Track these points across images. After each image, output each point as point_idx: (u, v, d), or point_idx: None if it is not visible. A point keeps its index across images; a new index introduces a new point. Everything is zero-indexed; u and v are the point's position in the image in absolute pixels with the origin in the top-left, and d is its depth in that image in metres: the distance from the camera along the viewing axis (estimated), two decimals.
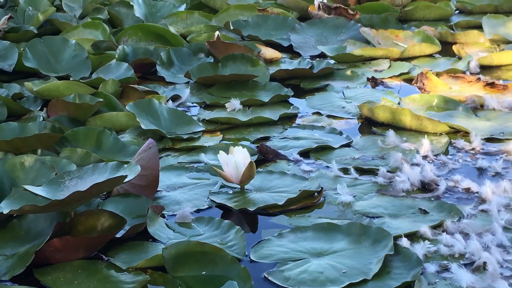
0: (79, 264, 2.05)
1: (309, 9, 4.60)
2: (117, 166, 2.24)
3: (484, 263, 2.02)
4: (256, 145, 2.84)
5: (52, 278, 2.00)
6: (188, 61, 3.76)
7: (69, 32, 4.09)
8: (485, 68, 3.68)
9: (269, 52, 3.91)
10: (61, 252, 2.06)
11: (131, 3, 4.66)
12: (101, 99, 3.09)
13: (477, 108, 3.16)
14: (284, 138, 2.97)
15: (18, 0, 4.65)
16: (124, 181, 2.21)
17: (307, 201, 2.43)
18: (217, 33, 4.07)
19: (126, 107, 3.02)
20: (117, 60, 3.64)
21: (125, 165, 2.24)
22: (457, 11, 4.72)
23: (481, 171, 2.65)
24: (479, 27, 4.24)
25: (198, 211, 2.41)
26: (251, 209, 2.39)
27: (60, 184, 2.22)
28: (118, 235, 2.16)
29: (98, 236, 2.13)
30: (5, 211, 2.10)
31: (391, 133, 2.88)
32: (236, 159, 2.45)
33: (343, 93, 3.45)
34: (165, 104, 3.17)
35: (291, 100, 3.39)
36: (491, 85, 3.34)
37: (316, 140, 2.91)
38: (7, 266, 2.03)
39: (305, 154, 2.81)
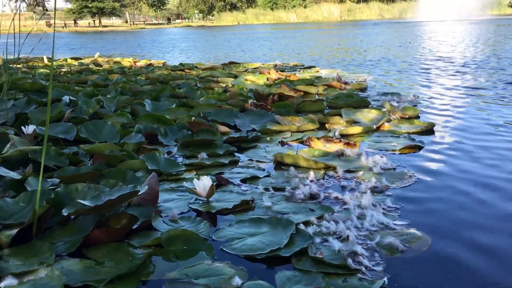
0: (110, 245, 1.99)
1: (245, 105, 4.63)
2: (134, 187, 2.18)
3: (347, 236, 2.01)
4: (216, 176, 2.80)
5: (94, 253, 1.94)
6: (176, 133, 3.73)
7: (107, 119, 4.00)
8: (343, 136, 3.72)
9: (223, 128, 3.89)
10: (99, 237, 1.98)
11: (144, 103, 4.63)
12: (124, 153, 3.02)
13: (339, 155, 3.18)
14: (231, 173, 2.94)
15: (78, 101, 4.55)
16: (138, 194, 2.15)
17: (245, 206, 2.39)
18: (193, 118, 4.05)
19: (140, 157, 2.97)
20: (135, 133, 3.58)
21: (138, 187, 2.19)
22: (327, 107, 4.79)
23: (343, 187, 2.65)
24: (340, 114, 4.30)
25: (182, 213, 2.35)
26: (213, 211, 2.35)
27: (99, 198, 2.13)
28: (134, 227, 2.09)
29: (121, 227, 2.06)
30: (65, 213, 2.03)
31: (292, 169, 2.88)
32: (204, 183, 2.42)
33: (265, 149, 3.44)
34: (163, 155, 3.11)
35: (236, 153, 3.36)
36: (347, 143, 3.38)
37: (250, 173, 2.89)
38: (65, 247, 1.95)
39: (243, 181, 2.78)
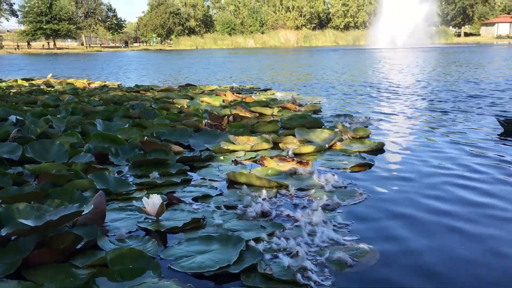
0: (52, 266, 1.90)
1: (200, 126, 4.59)
2: (79, 206, 2.10)
3: (297, 252, 2.00)
4: (167, 195, 2.74)
5: (34, 274, 1.84)
6: (128, 153, 3.64)
7: (55, 138, 3.87)
8: (296, 155, 3.74)
9: (176, 148, 3.84)
10: (40, 258, 1.89)
11: (96, 123, 4.53)
12: (72, 172, 2.92)
13: (292, 174, 3.19)
14: (183, 191, 2.89)
15: (25, 120, 4.39)
16: (82, 214, 2.07)
17: (196, 224, 2.36)
18: (146, 137, 3.98)
19: (88, 176, 2.88)
20: (84, 152, 3.48)
21: (83, 206, 2.11)
22: (282, 128, 4.82)
23: (295, 205, 2.65)
24: (293, 134, 4.33)
25: (130, 232, 2.28)
26: (162, 229, 2.30)
27: (41, 218, 2.03)
28: (78, 247, 2.00)
29: (64, 247, 1.97)
30: (3, 234, 1.93)
31: (245, 187, 2.87)
32: (153, 201, 2.37)
33: (218, 168, 3.42)
34: (113, 175, 3.03)
35: (189, 172, 3.31)
36: (300, 162, 3.40)
37: (202, 192, 2.86)
38: (3, 269, 1.84)
39: (195, 199, 2.74)
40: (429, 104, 6.75)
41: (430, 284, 1.81)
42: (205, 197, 2.77)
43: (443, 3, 66.69)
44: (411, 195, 2.82)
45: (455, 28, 70.12)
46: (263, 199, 2.69)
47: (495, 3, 68.70)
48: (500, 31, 63.90)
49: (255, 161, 3.60)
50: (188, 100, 6.97)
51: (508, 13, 63.91)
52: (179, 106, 6.33)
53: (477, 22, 68.51)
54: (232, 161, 3.58)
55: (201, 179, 3.17)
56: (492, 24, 65.60)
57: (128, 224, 2.36)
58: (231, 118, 5.03)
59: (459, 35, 67.63)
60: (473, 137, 4.37)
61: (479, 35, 67.45)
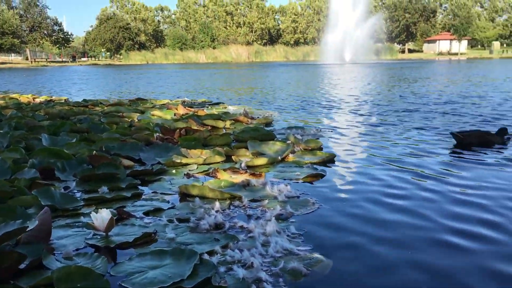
0: None
1: (151, 139, 4.51)
2: (21, 223, 1.99)
3: (252, 263, 1.98)
4: (116, 210, 2.65)
5: None
6: (75, 168, 3.51)
7: None
8: (249, 167, 3.74)
9: (126, 162, 3.75)
10: None
11: (41, 138, 4.35)
12: (15, 188, 2.78)
13: (245, 185, 3.18)
14: (134, 206, 2.81)
15: None
16: (26, 231, 1.96)
17: (148, 239, 2.29)
18: (94, 152, 3.86)
19: (32, 193, 2.75)
20: (28, 168, 3.33)
21: (27, 223, 2.00)
22: (234, 141, 4.81)
23: (249, 216, 2.63)
24: (246, 147, 4.33)
25: (78, 249, 2.18)
26: (112, 245, 2.21)
27: None
28: (22, 267, 1.89)
29: (6, 267, 1.85)
30: None
31: (197, 200, 2.83)
32: (102, 216, 2.28)
33: (170, 181, 3.36)
34: (59, 190, 2.90)
35: (140, 186, 3.23)
36: (253, 174, 3.40)
37: (153, 206, 2.79)
38: None
39: (146, 213, 2.67)
40: (377, 116, 6.94)
41: None
42: (157, 211, 2.70)
43: (388, 21, 69.39)
44: (362, 204, 2.87)
45: (399, 44, 73.07)
46: (217, 211, 2.66)
47: (436, 21, 72.19)
48: (441, 47, 67.11)
49: (208, 174, 3.56)
50: (138, 114, 6.85)
51: (448, 31, 67.22)
52: (129, 120, 6.20)
53: (420, 39, 71.64)
54: (185, 174, 3.53)
55: (152, 192, 3.10)
56: (434, 41, 68.83)
57: (76, 241, 2.26)
58: (183, 131, 4.97)
59: (403, 52, 70.47)
60: (420, 148, 4.52)
61: (422, 51, 70.55)
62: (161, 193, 3.07)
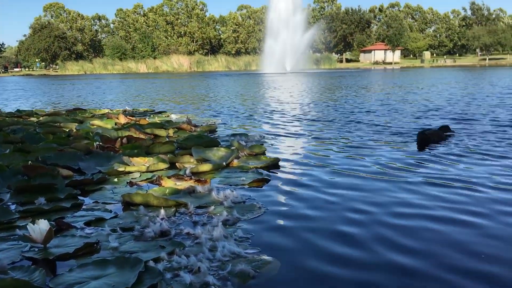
0: None
1: (91, 148, 4.36)
2: None
3: (199, 268, 1.95)
4: (55, 221, 2.53)
5: None
6: (9, 179, 3.33)
7: None
8: (194, 173, 3.70)
9: (65, 172, 3.59)
10: None
11: None
12: None
13: (191, 192, 3.14)
14: (74, 216, 2.70)
15: None
16: None
17: (89, 249, 2.20)
18: (30, 162, 3.67)
19: None
20: None
21: None
22: (178, 148, 4.74)
23: (195, 223, 2.60)
24: (190, 154, 4.28)
25: (13, 263, 2.05)
26: (51, 257, 2.11)
27: None
28: None
29: None
30: None
31: (142, 208, 2.75)
32: (40, 227, 2.17)
33: (112, 190, 3.25)
34: None
35: (80, 197, 3.11)
36: (198, 180, 3.36)
37: (95, 215, 2.69)
38: None
39: (88, 224, 2.57)
40: (318, 122, 7.09)
41: None
42: (99, 221, 2.61)
43: (326, 31, 71.38)
44: (307, 206, 2.91)
45: (337, 54, 75.26)
46: (162, 219, 2.60)
47: (371, 32, 75.07)
48: (376, 57, 69.82)
49: (151, 182, 3.48)
50: (77, 124, 6.60)
51: (383, 41, 70.08)
52: (67, 130, 5.97)
53: (356, 49, 74.18)
54: (127, 182, 3.43)
55: (93, 202, 2.99)
56: (370, 51, 71.50)
57: (11, 255, 2.13)
58: (124, 140, 4.84)
59: (341, 61, 72.62)
60: (359, 151, 4.65)
61: (359, 61, 73.07)
62: (103, 203, 2.97)
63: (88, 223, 2.57)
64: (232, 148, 4.49)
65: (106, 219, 2.64)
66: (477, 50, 67.63)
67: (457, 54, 76.47)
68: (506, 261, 2.07)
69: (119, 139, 4.84)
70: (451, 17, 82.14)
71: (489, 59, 58.94)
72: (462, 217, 2.64)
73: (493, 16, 73.45)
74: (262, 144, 4.99)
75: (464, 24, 75.45)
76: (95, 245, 2.23)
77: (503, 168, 3.75)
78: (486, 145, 4.78)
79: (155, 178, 3.46)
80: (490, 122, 6.56)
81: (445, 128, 5.56)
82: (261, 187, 3.38)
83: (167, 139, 5.39)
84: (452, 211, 2.75)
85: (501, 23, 71.60)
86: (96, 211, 2.79)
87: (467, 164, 3.93)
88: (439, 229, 2.47)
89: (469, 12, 74.26)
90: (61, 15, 78.97)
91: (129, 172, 3.75)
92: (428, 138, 5.04)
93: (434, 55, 75.07)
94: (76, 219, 2.63)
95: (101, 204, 2.94)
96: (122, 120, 6.86)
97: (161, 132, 5.72)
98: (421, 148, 4.82)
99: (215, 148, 4.46)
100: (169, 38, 76.54)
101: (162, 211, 2.69)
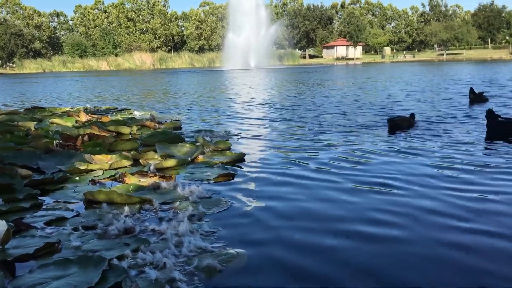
0: None
1: (50, 147, 4.23)
2: None
3: (164, 263, 1.92)
4: (14, 222, 2.44)
5: None
6: None
7: None
8: (159, 170, 3.65)
9: (24, 171, 3.47)
10: None
11: None
12: None
13: (155, 188, 3.10)
14: (34, 216, 2.61)
15: None
16: None
17: (50, 249, 2.13)
18: None
19: None
20: None
21: None
22: (142, 145, 4.67)
23: (161, 219, 2.56)
24: (154, 151, 4.22)
25: None
26: (10, 259, 2.03)
27: None
28: None
29: None
30: None
31: (105, 205, 2.69)
32: None
33: (74, 189, 3.17)
34: None
35: (40, 196, 3.01)
36: (163, 177, 3.32)
37: (56, 215, 2.61)
38: None
39: (48, 223, 2.49)
40: (284, 117, 7.12)
41: (293, 281, 1.86)
42: (60, 220, 2.53)
43: (289, 27, 71.75)
44: (272, 199, 2.91)
45: (301, 50, 75.81)
46: (126, 216, 2.55)
47: (333, 28, 75.92)
48: (338, 53, 70.68)
49: (115, 179, 3.41)
50: (36, 123, 6.39)
51: (344, 37, 70.99)
52: (25, 129, 5.77)
53: (319, 45, 74.87)
54: (90, 181, 3.35)
55: (54, 202, 2.90)
56: (332, 47, 72.30)
57: None
58: (86, 137, 4.72)
59: (304, 57, 73.22)
60: (322, 143, 4.69)
61: (322, 57, 73.79)
62: (64, 202, 2.89)
63: (48, 223, 2.49)
64: (197, 144, 4.45)
65: (68, 218, 2.57)
66: (435, 45, 69.43)
67: (416, 50, 78.24)
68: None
69: (80, 137, 4.72)
70: (410, 13, 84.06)
71: (447, 54, 60.63)
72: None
73: (450, 12, 75.62)
74: (227, 140, 4.97)
75: (422, 20, 77.25)
76: (56, 244, 2.16)
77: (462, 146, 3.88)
78: (444, 129, 4.97)
79: (118, 175, 3.39)
80: (447, 111, 6.76)
81: (412, 116, 6.00)
82: (227, 181, 3.37)
83: (130, 136, 5.30)
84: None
85: (458, 19, 73.78)
86: (57, 210, 2.71)
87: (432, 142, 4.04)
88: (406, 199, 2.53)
89: (427, 8, 76.16)
90: (17, 11, 76.24)
91: (91, 170, 3.66)
92: (397, 125, 5.45)
93: (394, 50, 76.59)
94: (36, 219, 2.54)
95: (62, 203, 2.86)
96: (83, 118, 6.70)
97: (124, 129, 5.62)
98: (391, 133, 5.25)
99: (180, 144, 4.41)
100: (131, 35, 75.18)
101: (126, 208, 2.64)
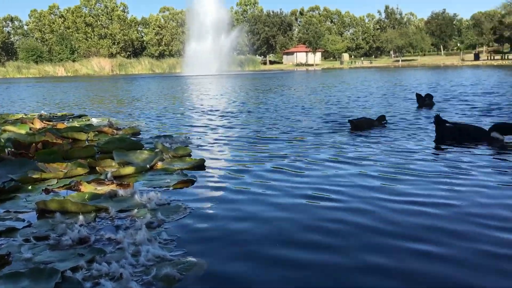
0: None
1: (2, 155, 4.05)
2: None
3: (121, 274, 1.86)
4: None
5: None
6: None
7: None
8: (116, 177, 3.56)
9: None
10: None
11: None
12: None
13: (112, 196, 3.01)
14: None
15: None
16: None
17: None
18: None
19: None
20: None
21: None
22: (99, 152, 4.54)
23: (117, 227, 2.49)
24: (112, 158, 4.12)
25: None
26: None
27: None
28: None
29: None
30: None
31: (58, 215, 2.60)
32: None
33: (26, 199, 3.04)
34: None
35: None
36: (120, 184, 3.23)
37: (6, 226, 2.49)
38: None
39: None
40: (245, 122, 7.11)
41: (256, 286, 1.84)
42: (10, 231, 2.42)
43: (250, 34, 72.03)
44: (232, 205, 2.88)
45: (261, 56, 76.20)
46: (81, 225, 2.46)
47: (292, 35, 76.77)
48: (298, 59, 71.49)
49: (70, 188, 3.29)
50: None
51: (304, 44, 71.91)
52: None
53: (279, 51, 75.53)
54: (43, 190, 3.22)
55: (4, 212, 2.77)
56: (292, 53, 73.07)
57: None
58: (39, 145, 4.55)
59: (265, 63, 73.64)
60: (286, 145, 4.71)
61: (282, 62, 74.45)
62: (15, 212, 2.76)
63: None
64: (156, 150, 4.37)
65: (19, 228, 2.46)
66: (391, 52, 71.32)
67: (373, 56, 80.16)
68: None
69: (34, 144, 4.54)
70: (367, 20, 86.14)
71: (402, 60, 62.32)
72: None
73: (405, 19, 77.90)
74: (187, 146, 4.91)
75: (378, 27, 79.30)
76: (6, 257, 2.06)
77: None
78: (389, 135, 5.06)
79: (73, 183, 3.28)
80: (397, 116, 6.93)
81: (383, 117, 6.30)
82: (186, 188, 3.31)
83: (87, 143, 5.15)
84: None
85: (412, 26, 76.12)
86: (8, 220, 2.59)
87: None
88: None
89: (383, 16, 78.13)
90: None
91: (45, 179, 3.53)
92: (356, 125, 5.75)
93: (352, 56, 78.17)
94: None
95: (13, 213, 2.73)
96: (38, 125, 6.47)
97: (81, 136, 5.46)
98: (353, 132, 5.61)
99: (138, 150, 4.32)
100: (89, 40, 73.55)
101: (81, 217, 2.55)
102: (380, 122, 6.20)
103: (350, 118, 6.06)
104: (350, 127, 5.86)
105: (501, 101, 9.07)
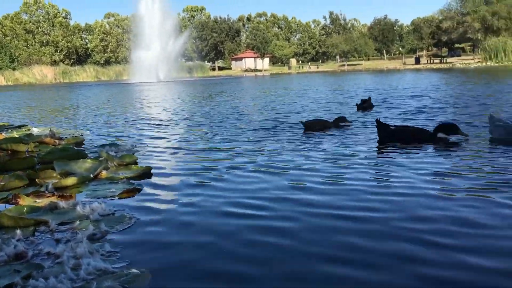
0: None
1: None
2: None
3: None
4: None
5: None
6: None
7: None
8: (58, 189, 3.42)
9: None
10: None
11: None
12: None
13: (53, 209, 2.89)
14: None
15: None
16: None
17: None
18: None
19: None
20: None
21: None
22: (40, 163, 4.35)
23: (57, 241, 2.38)
24: (53, 168, 3.95)
25: None
26: None
27: None
28: None
29: None
30: None
31: None
32: None
33: None
34: None
35: None
36: (62, 196, 3.12)
37: None
38: None
39: None
40: (192, 129, 7.05)
41: None
42: None
43: (197, 40, 71.70)
44: (179, 214, 2.83)
45: (210, 62, 75.96)
46: (18, 240, 2.33)
47: (240, 40, 77.11)
48: (247, 64, 71.82)
49: (7, 201, 3.13)
50: None
51: (252, 49, 72.37)
52: None
53: (228, 57, 75.61)
54: None
55: None
56: (240, 59, 73.30)
57: None
58: None
59: (214, 69, 73.41)
60: (234, 150, 4.69)
61: (231, 68, 74.53)
62: None
63: None
64: (100, 159, 4.23)
65: None
66: (337, 57, 73.06)
67: (320, 61, 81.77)
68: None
69: None
70: (313, 26, 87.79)
71: (348, 64, 63.96)
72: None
73: (349, 25, 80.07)
74: (134, 154, 4.79)
75: (324, 32, 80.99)
76: None
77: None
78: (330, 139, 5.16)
79: (10, 197, 3.11)
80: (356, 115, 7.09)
81: (341, 119, 6.43)
82: (132, 197, 3.23)
83: (27, 154, 4.93)
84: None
85: (356, 31, 78.30)
86: None
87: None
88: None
89: (328, 21, 79.94)
90: None
91: None
92: (309, 126, 5.97)
93: (300, 62, 79.37)
94: None
95: None
96: None
97: (20, 147, 5.21)
98: (307, 131, 5.87)
99: (81, 160, 4.17)
100: (30, 47, 70.73)
101: (18, 231, 2.43)
102: (337, 124, 6.30)
103: (302, 120, 6.29)
104: (303, 128, 6.06)
105: (434, 102, 9.52)
